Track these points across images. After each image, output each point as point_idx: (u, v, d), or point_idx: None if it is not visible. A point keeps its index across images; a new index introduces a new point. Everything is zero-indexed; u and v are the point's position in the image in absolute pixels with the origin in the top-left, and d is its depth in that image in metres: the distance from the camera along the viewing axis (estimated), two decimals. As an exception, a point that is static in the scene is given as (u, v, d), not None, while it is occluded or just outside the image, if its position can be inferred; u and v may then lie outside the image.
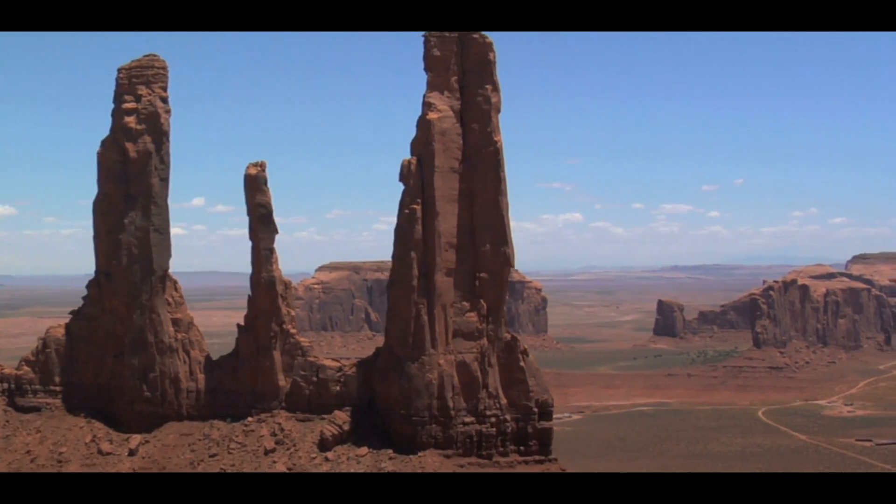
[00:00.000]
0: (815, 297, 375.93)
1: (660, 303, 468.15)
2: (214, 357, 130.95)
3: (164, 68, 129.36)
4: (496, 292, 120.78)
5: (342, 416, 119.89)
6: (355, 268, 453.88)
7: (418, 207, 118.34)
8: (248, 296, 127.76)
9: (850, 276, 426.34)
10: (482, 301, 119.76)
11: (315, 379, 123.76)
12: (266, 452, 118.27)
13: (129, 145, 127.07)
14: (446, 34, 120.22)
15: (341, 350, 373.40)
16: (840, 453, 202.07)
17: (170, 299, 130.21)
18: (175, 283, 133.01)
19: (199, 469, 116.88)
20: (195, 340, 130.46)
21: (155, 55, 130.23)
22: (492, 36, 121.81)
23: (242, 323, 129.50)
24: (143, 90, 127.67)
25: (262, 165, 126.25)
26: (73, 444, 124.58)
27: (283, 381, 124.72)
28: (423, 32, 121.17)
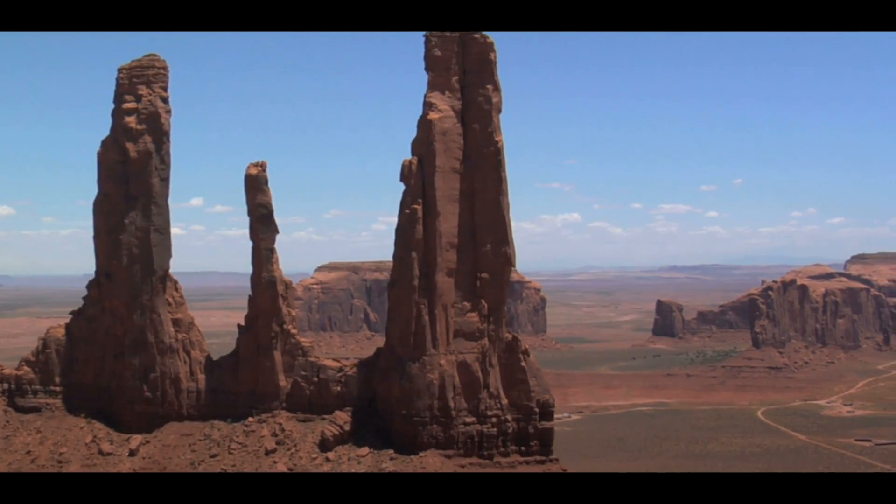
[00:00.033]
0: (814, 297, 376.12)
1: (659, 303, 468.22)
2: (214, 357, 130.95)
3: (165, 68, 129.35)
4: (497, 292, 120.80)
5: (343, 417, 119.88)
6: (354, 268, 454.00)
7: (419, 207, 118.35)
8: (249, 296, 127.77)
9: (848, 277, 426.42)
10: (483, 301, 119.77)
11: (316, 379, 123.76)
12: (267, 453, 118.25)
13: (129, 145, 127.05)
14: (447, 34, 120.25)
15: (340, 350, 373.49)
16: (839, 453, 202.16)
17: (170, 299, 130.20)
18: (175, 283, 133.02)
19: (200, 469, 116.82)
20: (196, 341, 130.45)
21: (155, 55, 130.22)
22: (491, 36, 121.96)
23: (241, 323, 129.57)
24: (143, 90, 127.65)
25: (262, 165, 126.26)
26: (73, 444, 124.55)
27: (283, 382, 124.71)
28: (423, 32, 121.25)
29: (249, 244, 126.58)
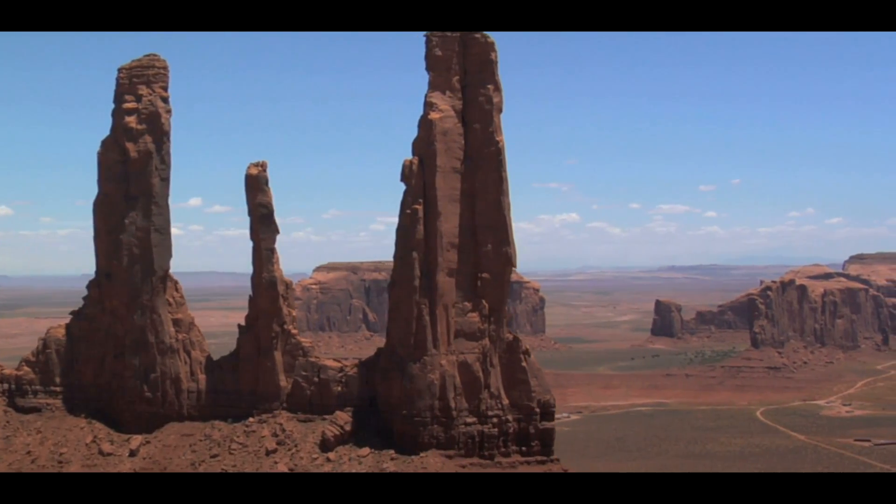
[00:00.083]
0: (813, 297, 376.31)
1: (657, 303, 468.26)
2: (213, 358, 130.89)
3: (165, 68, 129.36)
4: (498, 292, 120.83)
5: (344, 417, 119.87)
6: (353, 268, 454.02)
7: (420, 207, 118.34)
8: (250, 296, 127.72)
9: (847, 277, 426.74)
10: (484, 301, 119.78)
11: (316, 379, 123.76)
12: (267, 453, 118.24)
13: (129, 145, 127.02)
14: (448, 34, 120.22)
15: (339, 350, 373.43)
16: (839, 453, 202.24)
17: (170, 300, 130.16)
18: (176, 283, 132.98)
19: (201, 470, 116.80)
20: (196, 341, 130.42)
21: (155, 55, 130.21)
22: (491, 36, 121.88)
23: (241, 323, 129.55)
24: (143, 90, 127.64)
25: (263, 165, 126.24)
26: (73, 444, 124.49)
27: (284, 382, 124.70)
28: (424, 32, 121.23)
29: (248, 244, 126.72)
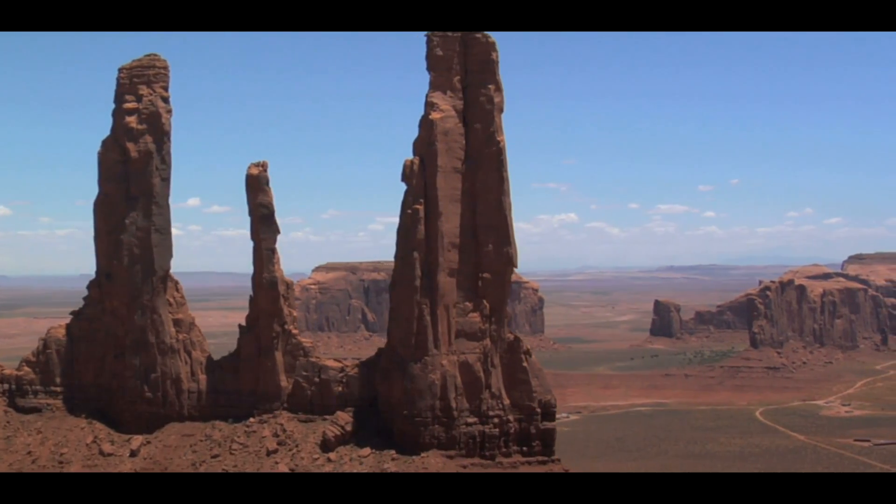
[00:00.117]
0: (812, 297, 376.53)
1: (656, 303, 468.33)
2: (213, 358, 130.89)
3: (166, 68, 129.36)
4: (499, 292, 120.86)
5: (344, 417, 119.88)
6: (352, 268, 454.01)
7: (421, 207, 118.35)
8: (250, 296, 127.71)
9: (846, 277, 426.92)
10: (485, 301, 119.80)
11: (317, 379, 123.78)
12: (268, 453, 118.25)
13: (129, 145, 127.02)
14: (449, 34, 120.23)
15: (338, 350, 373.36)
16: (838, 453, 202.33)
17: (171, 300, 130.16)
18: (176, 283, 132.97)
19: (201, 470, 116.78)
20: (196, 341, 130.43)
21: (156, 55, 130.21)
22: (491, 36, 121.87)
23: (241, 323, 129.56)
24: (144, 90, 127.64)
25: (263, 166, 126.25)
26: (74, 444, 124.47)
27: (284, 382, 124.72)
28: (425, 32, 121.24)
29: (247, 244, 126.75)
